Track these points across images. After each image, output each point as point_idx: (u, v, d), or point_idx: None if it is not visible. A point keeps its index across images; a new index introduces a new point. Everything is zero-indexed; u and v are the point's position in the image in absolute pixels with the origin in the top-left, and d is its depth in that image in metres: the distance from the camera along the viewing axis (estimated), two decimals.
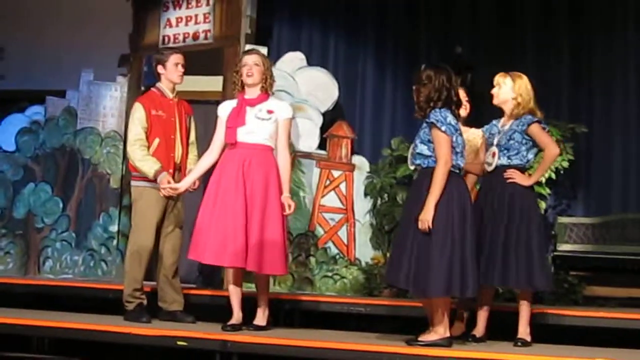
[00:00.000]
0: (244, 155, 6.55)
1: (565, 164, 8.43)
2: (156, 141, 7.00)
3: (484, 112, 6.95)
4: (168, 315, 7.09)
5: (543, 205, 8.34)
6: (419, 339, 6.04)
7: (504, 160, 6.36)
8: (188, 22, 9.42)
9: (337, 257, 8.86)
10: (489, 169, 6.42)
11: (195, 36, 9.36)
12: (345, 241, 8.93)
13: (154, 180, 6.87)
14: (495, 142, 6.42)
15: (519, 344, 6.24)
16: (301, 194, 8.84)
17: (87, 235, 9.52)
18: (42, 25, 10.89)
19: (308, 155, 9.01)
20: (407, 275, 5.93)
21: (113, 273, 9.32)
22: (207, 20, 9.32)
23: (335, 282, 8.74)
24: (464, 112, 6.67)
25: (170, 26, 9.52)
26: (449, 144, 5.93)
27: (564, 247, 8.66)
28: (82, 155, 9.65)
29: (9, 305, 7.71)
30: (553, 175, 8.36)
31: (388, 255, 8.64)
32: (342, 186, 9.03)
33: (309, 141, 9.02)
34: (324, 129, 9.08)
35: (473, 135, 6.77)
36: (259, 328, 6.57)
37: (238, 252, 6.39)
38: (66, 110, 9.79)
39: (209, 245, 6.46)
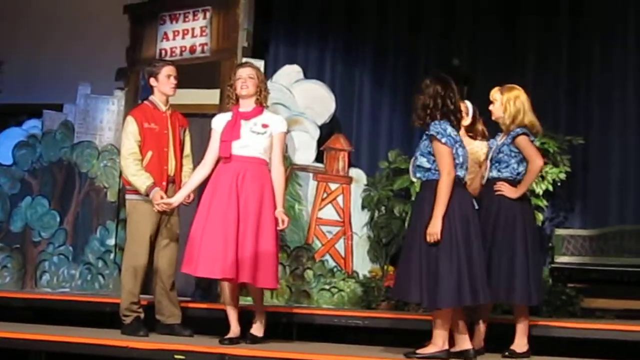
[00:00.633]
0: (238, 169, 6.54)
1: (563, 176, 8.44)
2: (149, 154, 7.00)
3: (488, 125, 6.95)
4: (166, 328, 7.08)
5: (540, 217, 8.35)
6: (417, 351, 6.03)
7: (495, 173, 6.40)
8: (185, 36, 9.43)
9: (335, 270, 8.85)
10: (483, 182, 6.46)
11: (192, 49, 9.37)
12: (343, 254, 8.93)
13: (146, 195, 6.88)
14: (490, 155, 6.46)
15: (507, 354, 6.25)
16: (298, 206, 8.84)
17: (84, 248, 9.51)
18: (39, 39, 10.90)
19: (305, 168, 9.01)
20: (419, 288, 5.93)
21: (110, 287, 9.30)
22: (204, 34, 9.33)
23: (332, 295, 8.73)
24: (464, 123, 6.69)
25: (167, 39, 9.52)
26: (450, 155, 5.95)
27: (561, 259, 8.65)
28: (79, 169, 9.64)
29: (6, 319, 7.71)
30: (550, 187, 8.37)
31: (386, 267, 8.65)
32: (340, 199, 9.03)
33: (306, 154, 9.02)
34: (320, 141, 9.09)
35: (476, 148, 6.77)
36: (256, 338, 6.57)
37: (230, 265, 6.37)
38: (63, 124, 9.78)
39: (202, 258, 6.45)
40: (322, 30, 10.00)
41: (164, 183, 6.99)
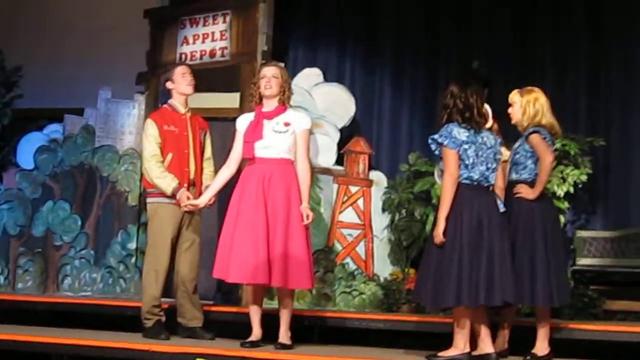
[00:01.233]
0: (264, 171, 6.53)
1: (584, 178, 8.41)
2: (169, 156, 7.03)
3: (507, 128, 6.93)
4: (187, 331, 7.09)
5: (562, 219, 8.31)
6: (439, 354, 6.03)
7: (513, 176, 6.40)
8: (205, 40, 9.45)
9: (356, 272, 8.84)
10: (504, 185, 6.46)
11: (212, 53, 9.38)
12: (364, 257, 8.92)
13: (172, 197, 6.90)
14: (509, 158, 6.46)
15: (528, 357, 6.24)
16: (319, 209, 8.83)
17: (105, 252, 9.53)
18: (59, 43, 10.97)
19: (326, 171, 9.01)
20: (427, 289, 5.98)
21: (131, 290, 9.32)
22: (224, 38, 9.35)
23: (353, 298, 8.73)
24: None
25: (188, 44, 9.54)
26: (452, 157, 5.97)
27: (583, 262, 8.61)
28: (101, 173, 9.67)
29: (28, 322, 7.75)
30: (571, 189, 8.34)
31: (406, 270, 8.65)
32: (360, 202, 9.03)
33: (326, 157, 9.02)
34: (341, 144, 9.08)
35: None
36: (285, 347, 6.50)
37: (261, 269, 6.34)
38: (84, 128, 9.82)
39: (233, 264, 6.42)
40: (341, 33, 10.01)
41: (185, 185, 7.00)
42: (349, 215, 8.99)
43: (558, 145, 8.14)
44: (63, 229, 9.64)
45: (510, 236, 6.19)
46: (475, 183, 6.04)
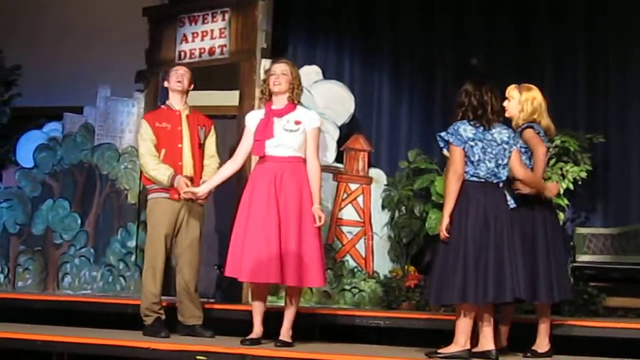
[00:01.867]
0: (275, 170, 6.53)
1: (584, 175, 8.40)
2: (162, 152, 7.07)
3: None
4: (187, 329, 7.10)
5: (562, 216, 8.30)
6: (439, 351, 6.03)
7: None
8: (204, 37, 9.44)
9: (355, 270, 8.84)
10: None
11: (211, 51, 9.38)
12: (363, 254, 8.92)
13: (169, 188, 6.91)
14: None
15: (529, 354, 6.25)
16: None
17: (105, 250, 9.53)
18: (58, 41, 10.97)
19: (325, 169, 8.97)
20: (430, 286, 6.07)
21: (131, 288, 9.32)
22: (222, 35, 9.34)
23: (353, 296, 8.73)
24: None
25: (187, 41, 9.54)
26: (457, 154, 6.01)
27: (583, 258, 8.62)
28: (100, 171, 9.68)
29: (28, 321, 7.76)
30: (571, 186, 8.34)
31: (406, 267, 8.65)
32: (360, 199, 9.03)
33: (326, 154, 9.00)
34: (340, 142, 9.07)
35: None
36: (286, 344, 6.51)
37: (274, 268, 6.34)
38: (83, 126, 9.82)
39: (245, 263, 6.41)
40: (340, 30, 10.00)
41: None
42: (348, 213, 8.98)
43: (558, 141, 8.15)
44: (63, 227, 9.64)
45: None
46: (482, 180, 6.04)
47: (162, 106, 7.38)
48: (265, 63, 8.89)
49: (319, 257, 6.48)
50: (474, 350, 6.06)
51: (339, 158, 9.05)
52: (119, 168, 9.64)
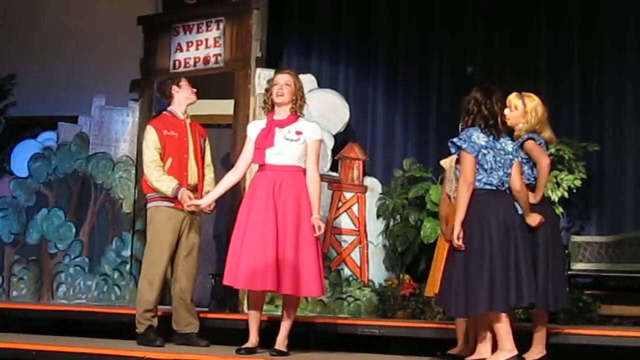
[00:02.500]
0: (274, 178, 6.53)
1: (578, 183, 8.40)
2: (169, 161, 7.06)
3: None
4: (182, 338, 7.09)
5: None
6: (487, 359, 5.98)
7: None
8: (199, 46, 9.45)
9: (351, 279, 8.84)
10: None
11: (206, 60, 9.38)
12: (359, 263, 8.91)
13: (173, 199, 6.92)
14: None
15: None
16: None
17: (100, 260, 9.53)
18: (53, 51, 10.96)
19: (320, 178, 8.98)
20: (450, 296, 5.97)
21: (126, 298, 9.32)
22: (217, 44, 9.34)
23: (348, 304, 8.72)
24: None
25: (181, 50, 9.54)
26: (470, 162, 5.97)
27: (577, 266, 8.61)
28: (95, 181, 9.67)
29: (23, 330, 7.75)
30: (566, 194, 8.34)
31: (401, 276, 8.63)
32: (355, 208, 9.02)
33: (320, 163, 8.97)
34: (335, 151, 9.08)
35: None
36: (281, 353, 6.50)
37: (270, 276, 6.33)
38: (78, 135, 9.82)
39: (242, 270, 6.40)
40: (335, 39, 10.00)
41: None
42: (343, 222, 8.98)
43: (552, 150, 8.14)
44: (57, 236, 9.64)
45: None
46: (495, 188, 6.04)
47: (166, 113, 7.33)
48: (260, 72, 8.91)
49: (316, 267, 6.47)
50: (470, 358, 6.05)
51: (333, 167, 9.06)
52: (113, 177, 9.64)
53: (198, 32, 9.50)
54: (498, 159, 6.05)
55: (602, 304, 8.10)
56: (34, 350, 6.65)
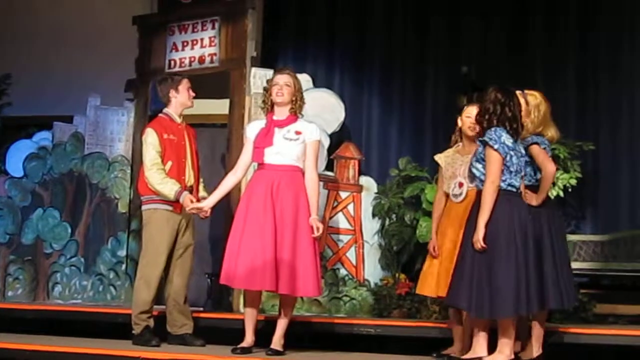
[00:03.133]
0: (273, 177, 6.54)
1: (573, 182, 8.41)
2: (169, 164, 7.08)
3: None
4: (177, 339, 7.09)
5: None
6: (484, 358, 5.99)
7: None
8: (194, 46, 9.45)
9: (346, 278, 8.83)
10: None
11: (201, 60, 9.38)
12: (354, 262, 8.91)
13: (173, 202, 6.92)
14: None
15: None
16: None
17: (95, 260, 9.52)
18: (48, 51, 10.94)
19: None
20: (469, 297, 5.93)
21: (122, 298, 9.31)
22: (212, 44, 9.34)
23: (344, 304, 8.72)
24: (471, 132, 6.67)
25: (177, 50, 9.54)
26: (499, 163, 5.96)
27: (573, 265, 8.55)
28: (90, 180, 9.67)
29: (18, 331, 7.75)
30: (561, 193, 8.34)
31: (397, 275, 8.63)
32: (350, 207, 9.02)
33: None
34: (330, 150, 9.07)
35: None
36: (277, 353, 6.50)
37: (268, 275, 6.34)
38: (73, 135, 9.81)
39: (240, 270, 6.40)
40: (330, 38, 9.99)
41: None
42: (339, 221, 8.97)
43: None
44: (53, 236, 9.63)
45: None
46: (515, 189, 6.05)
47: (163, 116, 7.32)
48: (255, 71, 8.90)
49: (313, 267, 6.48)
50: (466, 356, 6.06)
51: (329, 166, 9.05)
52: (109, 177, 9.64)
53: (193, 31, 9.49)
54: (518, 161, 6.07)
55: (597, 303, 8.10)
56: (28, 350, 6.65)
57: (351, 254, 8.92)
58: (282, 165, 6.58)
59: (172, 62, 9.54)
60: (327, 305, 8.70)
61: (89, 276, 9.51)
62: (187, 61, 9.46)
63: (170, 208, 7.03)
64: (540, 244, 6.20)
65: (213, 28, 9.35)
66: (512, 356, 5.96)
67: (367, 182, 9.11)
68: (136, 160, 9.19)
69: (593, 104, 9.19)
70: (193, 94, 7.31)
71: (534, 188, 6.35)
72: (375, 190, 9.06)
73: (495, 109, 6.08)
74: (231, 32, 9.24)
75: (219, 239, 8.74)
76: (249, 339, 6.57)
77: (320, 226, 6.55)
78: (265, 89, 6.85)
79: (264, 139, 6.62)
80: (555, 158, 8.22)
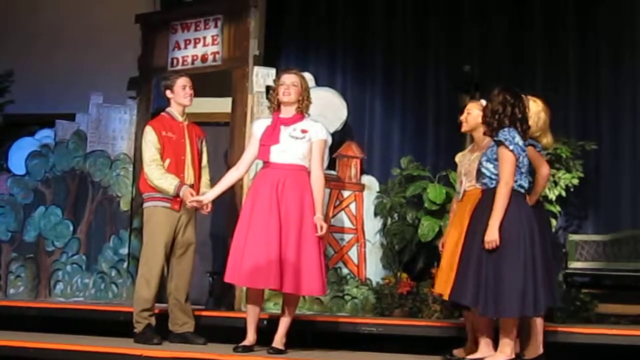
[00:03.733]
0: (278, 176, 6.55)
1: (575, 182, 8.41)
2: (167, 161, 7.08)
3: None
4: (179, 337, 7.09)
5: (554, 223, 8.30)
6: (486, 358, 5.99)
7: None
8: (196, 44, 9.44)
9: (348, 277, 8.84)
10: None
11: (204, 58, 9.37)
12: (356, 261, 8.91)
13: (171, 199, 6.93)
14: None
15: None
16: None
17: (97, 258, 9.52)
18: (51, 48, 10.95)
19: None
20: (475, 294, 5.92)
21: (124, 295, 9.31)
22: (215, 42, 9.33)
23: (346, 303, 8.72)
24: (463, 128, 6.70)
25: (179, 48, 9.53)
26: (513, 164, 5.95)
27: (575, 265, 8.62)
28: (92, 178, 9.67)
29: (20, 328, 7.75)
30: (563, 193, 8.34)
31: (399, 274, 8.63)
32: (352, 206, 9.02)
33: None
34: (333, 149, 9.06)
35: None
36: (279, 351, 6.50)
37: (274, 275, 6.34)
38: (76, 133, 9.81)
39: (245, 268, 6.41)
40: (333, 37, 10.00)
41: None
42: (341, 220, 8.98)
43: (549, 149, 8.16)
44: (55, 234, 9.63)
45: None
46: (523, 190, 6.06)
47: (164, 114, 7.34)
48: (258, 70, 8.90)
49: (318, 266, 6.48)
50: (470, 357, 6.06)
51: (331, 165, 9.05)
52: (111, 175, 9.63)
53: (196, 30, 9.48)
54: (528, 163, 6.08)
55: (599, 303, 8.11)
56: (31, 348, 6.65)
57: (353, 253, 8.92)
58: (287, 164, 6.59)
59: (175, 61, 9.53)
60: (329, 304, 8.70)
61: (90, 274, 9.51)
62: (189, 59, 9.45)
63: (168, 205, 7.03)
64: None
65: (216, 26, 9.34)
66: (513, 356, 5.96)
67: (369, 181, 9.12)
68: (138, 158, 9.16)
69: (594, 104, 9.19)
70: (190, 92, 7.29)
71: (528, 190, 6.35)
72: (377, 189, 9.06)
73: (505, 110, 6.07)
74: (234, 30, 9.23)
75: (221, 237, 8.75)
76: (250, 337, 6.57)
77: (325, 225, 6.56)
78: (272, 88, 6.85)
79: (271, 136, 6.63)
80: (557, 157, 8.26)
